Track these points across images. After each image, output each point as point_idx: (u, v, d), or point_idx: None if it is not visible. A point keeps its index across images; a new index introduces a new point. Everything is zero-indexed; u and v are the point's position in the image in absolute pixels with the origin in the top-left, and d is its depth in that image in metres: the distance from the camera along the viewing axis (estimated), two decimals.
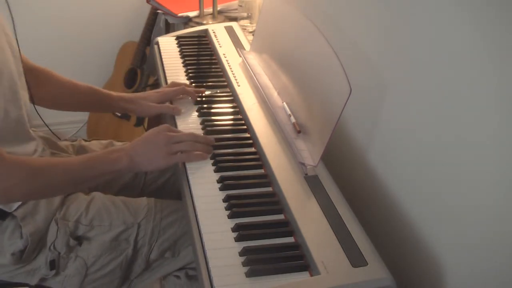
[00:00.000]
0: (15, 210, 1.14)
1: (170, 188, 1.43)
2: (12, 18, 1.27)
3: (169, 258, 1.24)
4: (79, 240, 1.19)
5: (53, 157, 1.25)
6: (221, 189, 1.07)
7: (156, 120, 1.42)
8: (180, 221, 1.23)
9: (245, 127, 1.26)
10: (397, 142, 1.09)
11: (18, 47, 1.19)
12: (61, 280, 1.19)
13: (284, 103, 1.26)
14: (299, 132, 1.17)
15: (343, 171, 1.22)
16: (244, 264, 0.90)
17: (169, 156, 1.12)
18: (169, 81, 1.46)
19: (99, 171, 1.11)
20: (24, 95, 1.18)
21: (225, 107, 1.35)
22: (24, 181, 1.04)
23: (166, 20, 2.29)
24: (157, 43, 1.67)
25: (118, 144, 1.46)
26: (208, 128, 1.25)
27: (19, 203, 1.14)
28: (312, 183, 1.06)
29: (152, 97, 1.38)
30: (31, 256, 1.17)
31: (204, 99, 1.39)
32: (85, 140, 1.44)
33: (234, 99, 1.37)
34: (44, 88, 1.31)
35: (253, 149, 1.19)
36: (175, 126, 1.28)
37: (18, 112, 1.15)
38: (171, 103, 1.38)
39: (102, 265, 1.19)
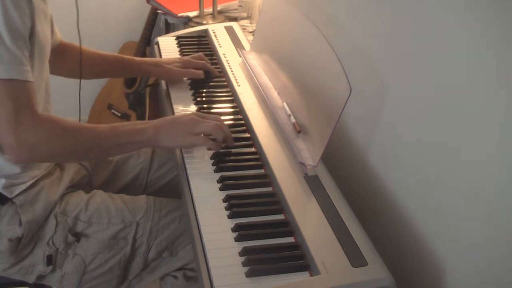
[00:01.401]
0: (15, 196, 1.15)
1: (172, 189, 1.43)
2: (78, 11, 1.33)
3: (167, 258, 1.24)
4: (78, 236, 1.20)
5: (81, 122, 1.27)
6: (221, 189, 1.07)
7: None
8: (179, 221, 1.24)
9: (245, 127, 1.26)
10: (397, 142, 1.09)
11: (80, 40, 1.36)
12: (60, 277, 1.20)
13: (284, 103, 1.26)
14: (299, 132, 1.17)
15: (343, 171, 1.22)
16: (244, 264, 0.90)
17: (190, 136, 1.15)
18: (169, 81, 1.46)
19: (124, 139, 1.13)
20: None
21: (225, 107, 1.35)
22: (53, 138, 1.07)
23: (166, 20, 2.28)
24: (157, 43, 1.67)
25: None
26: None
27: (20, 189, 1.15)
28: (312, 183, 1.06)
29: (174, 63, 1.47)
30: (27, 247, 1.17)
31: (204, 99, 1.39)
32: None
33: (234, 99, 1.37)
34: (74, 61, 1.40)
35: (253, 149, 1.19)
36: None
37: (48, 105, 1.23)
38: None
39: (100, 263, 1.20)
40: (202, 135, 1.15)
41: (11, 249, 1.15)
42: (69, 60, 1.40)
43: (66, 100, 1.71)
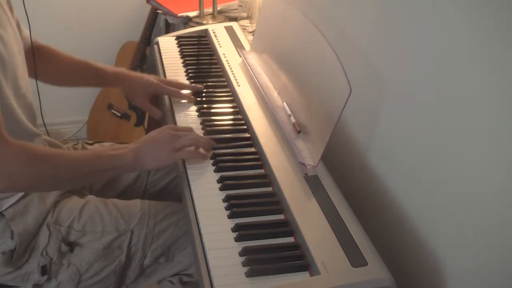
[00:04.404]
0: (5, 209, 1.13)
1: (172, 191, 1.42)
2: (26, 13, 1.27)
3: (164, 263, 1.23)
4: (71, 246, 1.18)
5: (58, 149, 1.24)
6: (221, 189, 1.07)
7: (156, 123, 1.43)
8: (175, 226, 1.22)
9: (245, 127, 1.26)
10: (397, 142, 1.09)
11: (30, 34, 1.26)
12: (55, 286, 1.18)
13: (284, 103, 1.26)
14: (299, 132, 1.17)
15: (343, 171, 1.22)
16: (244, 264, 0.90)
17: (174, 152, 1.11)
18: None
19: (102, 166, 1.09)
20: (27, 88, 1.17)
21: (225, 107, 1.35)
22: (28, 167, 1.00)
23: (166, 20, 2.28)
24: (157, 43, 1.67)
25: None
26: (208, 128, 1.25)
27: (10, 203, 1.13)
28: (312, 183, 1.06)
29: (144, 90, 1.39)
30: (21, 258, 1.16)
31: (204, 99, 1.39)
32: (87, 143, 1.43)
33: (234, 99, 1.37)
34: (46, 64, 1.33)
35: (253, 149, 1.19)
36: (175, 124, 1.28)
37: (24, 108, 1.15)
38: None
39: (95, 272, 1.18)
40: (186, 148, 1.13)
41: (5, 262, 1.14)
42: (44, 64, 1.33)
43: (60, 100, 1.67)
